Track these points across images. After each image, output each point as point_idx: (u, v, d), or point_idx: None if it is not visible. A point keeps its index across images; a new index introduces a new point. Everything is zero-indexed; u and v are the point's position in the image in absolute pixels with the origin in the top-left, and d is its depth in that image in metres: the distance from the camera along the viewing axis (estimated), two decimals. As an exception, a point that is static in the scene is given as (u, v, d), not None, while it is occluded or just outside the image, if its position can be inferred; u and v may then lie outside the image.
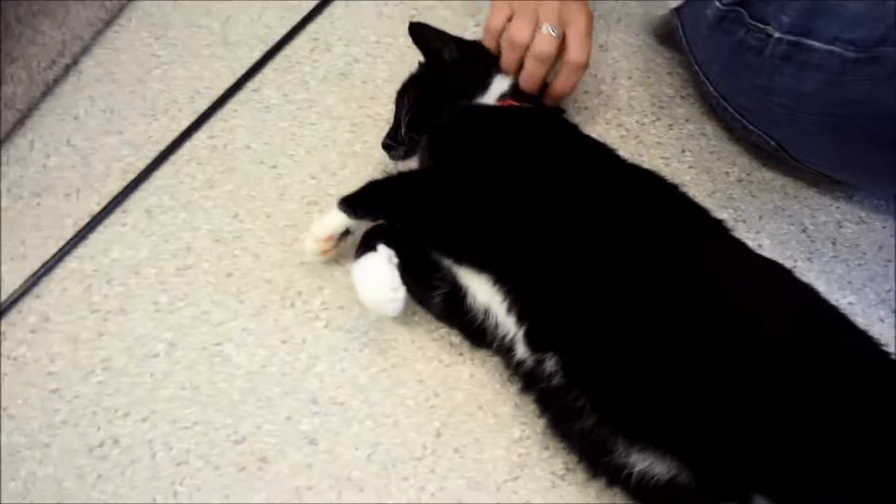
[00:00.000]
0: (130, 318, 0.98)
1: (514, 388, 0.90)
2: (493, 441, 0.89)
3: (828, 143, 0.93)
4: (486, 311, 0.86)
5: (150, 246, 1.04)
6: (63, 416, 0.92)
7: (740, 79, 0.96)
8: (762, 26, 0.90)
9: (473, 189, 0.86)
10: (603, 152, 0.93)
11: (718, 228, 0.87)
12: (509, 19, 0.98)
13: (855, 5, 0.83)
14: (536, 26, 0.96)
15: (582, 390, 0.77)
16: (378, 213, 0.91)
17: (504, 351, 0.86)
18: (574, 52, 0.97)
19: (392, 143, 0.99)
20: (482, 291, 0.86)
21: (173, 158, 1.11)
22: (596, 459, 0.79)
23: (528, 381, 0.84)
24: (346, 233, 0.93)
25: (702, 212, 0.88)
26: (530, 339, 0.81)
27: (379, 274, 0.85)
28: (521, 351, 0.83)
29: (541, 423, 0.87)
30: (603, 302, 0.77)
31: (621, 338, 0.76)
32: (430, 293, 0.91)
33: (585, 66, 0.99)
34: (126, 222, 1.06)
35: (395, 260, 0.86)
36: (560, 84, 1.00)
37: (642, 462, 0.74)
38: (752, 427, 0.69)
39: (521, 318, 0.82)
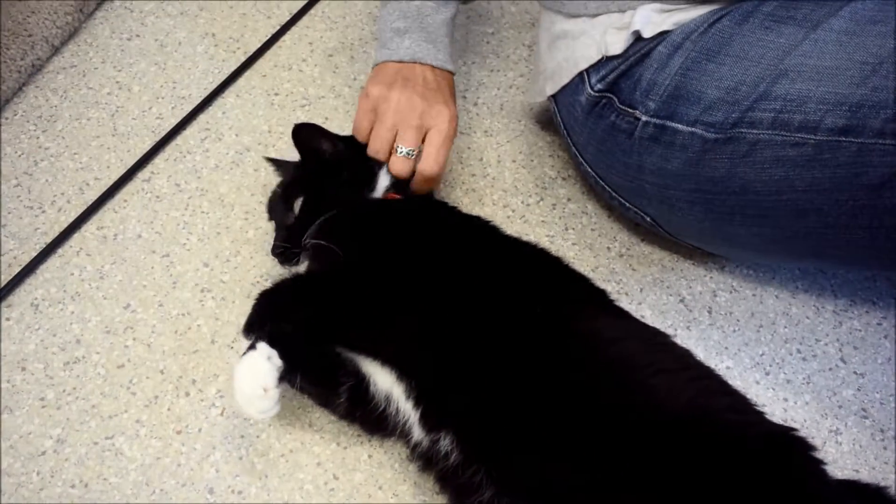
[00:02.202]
0: (16, 416, 0.95)
1: (412, 467, 0.90)
2: (393, 521, 0.89)
3: (697, 217, 0.99)
4: (388, 398, 0.87)
5: (36, 340, 1.01)
6: (-59, 523, 0.88)
7: (614, 159, 1.02)
8: (631, 111, 0.96)
9: (372, 282, 0.87)
10: (487, 232, 0.96)
11: (601, 298, 0.91)
12: (372, 126, 1.03)
13: (713, 91, 0.90)
14: (392, 146, 1.01)
15: (478, 465, 0.78)
16: (282, 320, 0.88)
17: (402, 435, 0.88)
18: (426, 164, 1.00)
19: (289, 249, 0.96)
20: (383, 378, 0.87)
21: (61, 251, 1.10)
22: None
23: (426, 461, 0.85)
24: None
25: (584, 282, 0.93)
26: (426, 421, 0.82)
27: (253, 371, 0.83)
28: (418, 433, 0.84)
29: (440, 500, 0.88)
30: (494, 377, 0.79)
31: (515, 411, 0.77)
32: (336, 391, 0.89)
33: (437, 177, 1.02)
34: (11, 317, 1.03)
35: (278, 362, 0.84)
36: (414, 187, 1.03)
37: None
38: (639, 484, 0.71)
39: (418, 401, 0.83)
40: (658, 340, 0.86)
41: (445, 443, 0.80)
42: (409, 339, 0.84)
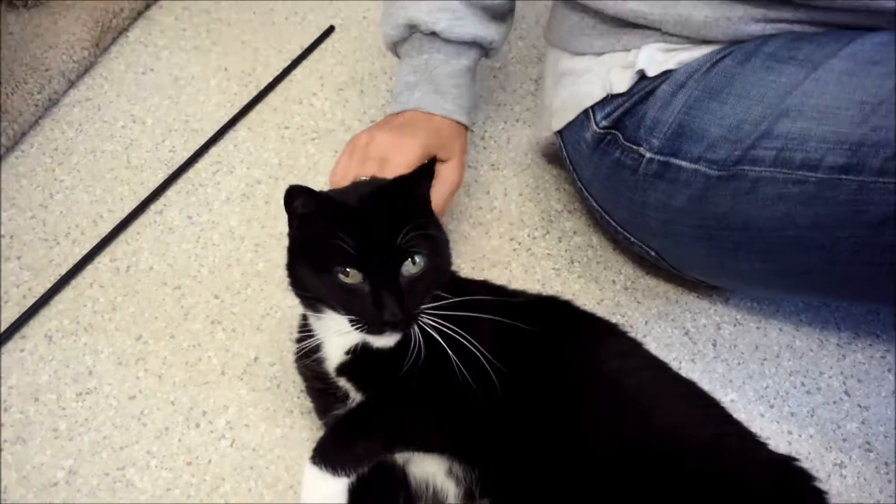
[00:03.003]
0: (28, 447, 0.96)
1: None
2: (400, 553, 0.90)
3: (701, 252, 1.00)
4: (428, 484, 0.85)
5: (50, 371, 1.03)
6: (-46, 553, 0.89)
7: (619, 194, 1.04)
8: (635, 147, 0.98)
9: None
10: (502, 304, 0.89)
11: (615, 331, 0.93)
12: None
13: (716, 129, 0.92)
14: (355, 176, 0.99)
15: None
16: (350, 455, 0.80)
17: None
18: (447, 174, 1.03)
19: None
20: (427, 467, 0.84)
21: (75, 282, 1.12)
22: None
23: None
24: None
25: (597, 319, 0.94)
26: (467, 495, 0.82)
27: None
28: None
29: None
30: (534, 438, 0.79)
31: (551, 464, 0.78)
32: None
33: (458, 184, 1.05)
34: (25, 348, 1.05)
35: None
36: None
37: None
38: None
39: (462, 481, 0.82)
40: (668, 372, 0.89)
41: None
42: (471, 428, 0.80)
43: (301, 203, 0.80)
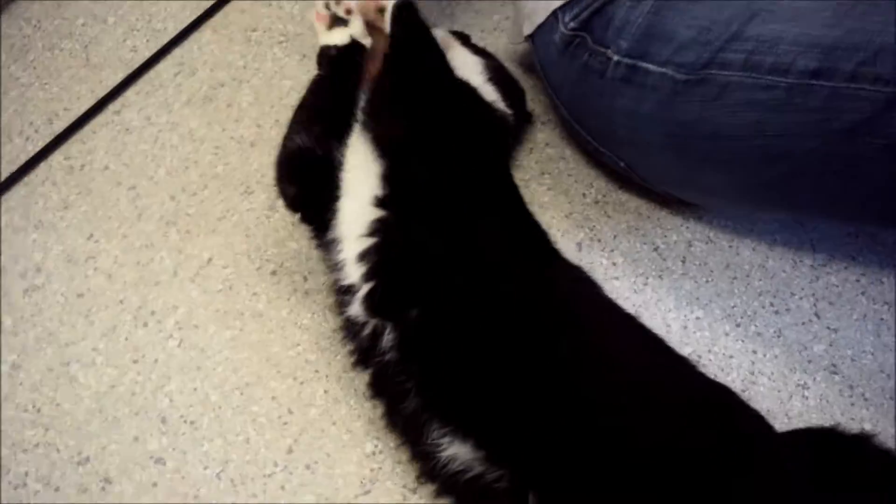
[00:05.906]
0: (-28, 341, 0.95)
1: (368, 405, 0.90)
2: (345, 456, 0.89)
3: (669, 163, 0.97)
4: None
5: (-4, 268, 1.01)
6: None
7: (587, 101, 1.00)
8: (603, 50, 0.94)
9: None
10: None
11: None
12: None
13: (685, 31, 0.88)
14: None
15: (411, 370, 0.79)
16: None
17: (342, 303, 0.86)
18: None
19: None
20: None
21: (27, 179, 1.09)
22: (415, 444, 0.81)
23: (364, 353, 0.84)
24: None
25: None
26: (372, 301, 0.82)
27: None
28: (358, 310, 0.83)
29: (393, 438, 0.88)
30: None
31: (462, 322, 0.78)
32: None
33: None
34: (-28, 243, 1.03)
35: None
36: None
37: (448, 448, 0.76)
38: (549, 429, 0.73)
39: (370, 276, 0.82)
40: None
41: (388, 338, 0.80)
42: None
43: None
